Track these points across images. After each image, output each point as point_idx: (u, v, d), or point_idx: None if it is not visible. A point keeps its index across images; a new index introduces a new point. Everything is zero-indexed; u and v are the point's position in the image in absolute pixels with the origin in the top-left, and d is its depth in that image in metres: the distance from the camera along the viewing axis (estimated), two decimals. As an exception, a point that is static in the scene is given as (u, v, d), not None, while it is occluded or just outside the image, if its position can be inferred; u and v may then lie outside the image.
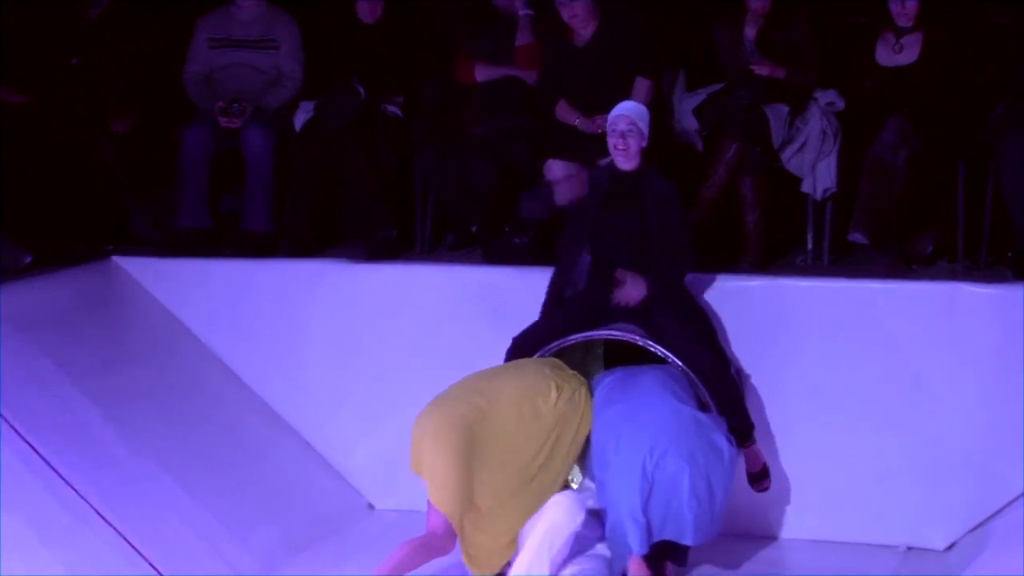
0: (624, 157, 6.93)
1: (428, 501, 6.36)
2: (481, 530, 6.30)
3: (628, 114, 6.97)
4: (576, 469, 6.67)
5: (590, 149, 7.58)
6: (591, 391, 6.73)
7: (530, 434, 6.47)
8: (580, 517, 6.27)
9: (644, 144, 6.96)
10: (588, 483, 6.63)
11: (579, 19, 7.82)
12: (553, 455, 6.54)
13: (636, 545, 6.14)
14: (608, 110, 7.12)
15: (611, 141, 6.97)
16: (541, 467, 6.51)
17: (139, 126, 8.30)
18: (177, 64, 8.40)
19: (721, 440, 6.35)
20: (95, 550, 6.14)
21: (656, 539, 6.22)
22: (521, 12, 8.25)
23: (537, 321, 7.05)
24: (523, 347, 6.90)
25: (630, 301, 6.76)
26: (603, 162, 7.26)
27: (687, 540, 6.26)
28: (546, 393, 6.52)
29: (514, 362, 6.81)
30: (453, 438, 6.29)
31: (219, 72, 8.35)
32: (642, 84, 7.74)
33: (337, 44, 8.41)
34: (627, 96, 7.46)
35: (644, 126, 6.95)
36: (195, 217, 8.20)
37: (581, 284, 7.04)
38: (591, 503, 6.48)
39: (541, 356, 6.84)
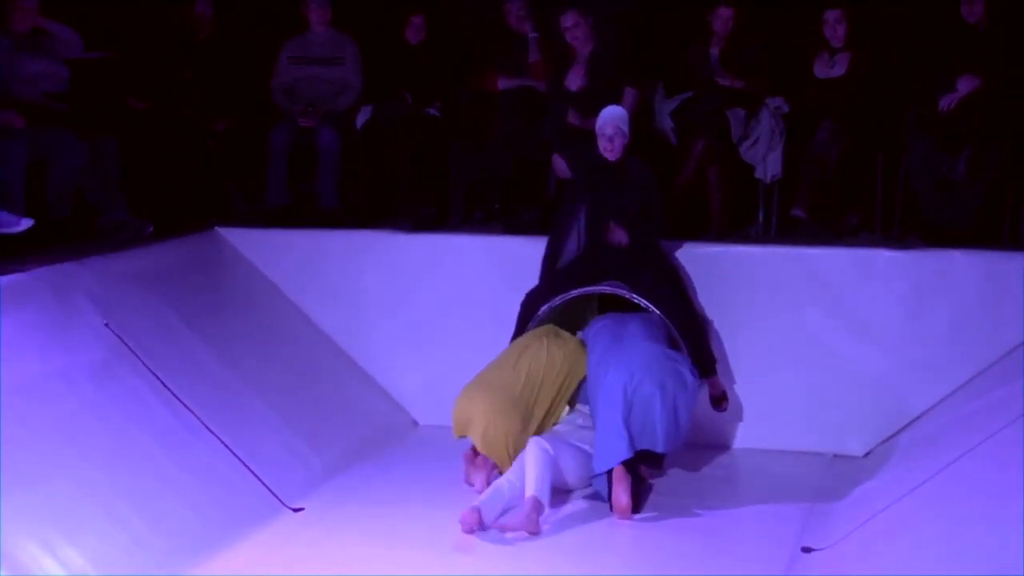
0: (611, 155, 7.02)
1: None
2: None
3: (613, 121, 7.02)
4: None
5: (588, 143, 7.48)
6: (584, 338, 6.82)
7: (547, 389, 6.59)
8: (549, 453, 6.19)
9: (627, 141, 7.03)
10: (582, 407, 6.68)
11: (579, 41, 7.87)
12: (559, 398, 6.67)
13: (621, 452, 6.14)
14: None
15: (601, 144, 7.04)
16: (553, 402, 6.64)
17: (235, 126, 8.29)
18: (265, 77, 8.41)
19: (685, 371, 6.39)
20: (202, 454, 6.15)
21: (636, 448, 6.22)
22: (530, 35, 8.27)
23: (544, 279, 7.11)
24: (534, 301, 6.97)
25: (621, 240, 6.86)
26: (595, 154, 7.25)
27: (659, 448, 6.26)
28: (552, 359, 6.62)
29: (520, 341, 6.79)
30: (507, 416, 6.41)
31: (298, 83, 8.33)
32: (629, 92, 7.75)
33: (389, 61, 8.42)
34: (618, 101, 7.47)
35: (626, 127, 7.03)
36: (279, 196, 8.22)
37: (576, 250, 7.13)
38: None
39: (548, 308, 6.88)
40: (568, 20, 7.87)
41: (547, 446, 6.18)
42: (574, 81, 7.88)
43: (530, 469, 6.05)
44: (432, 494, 6.54)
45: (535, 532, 5.87)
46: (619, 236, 6.88)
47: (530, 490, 5.97)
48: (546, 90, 8.13)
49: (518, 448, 6.32)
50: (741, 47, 7.98)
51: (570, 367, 6.67)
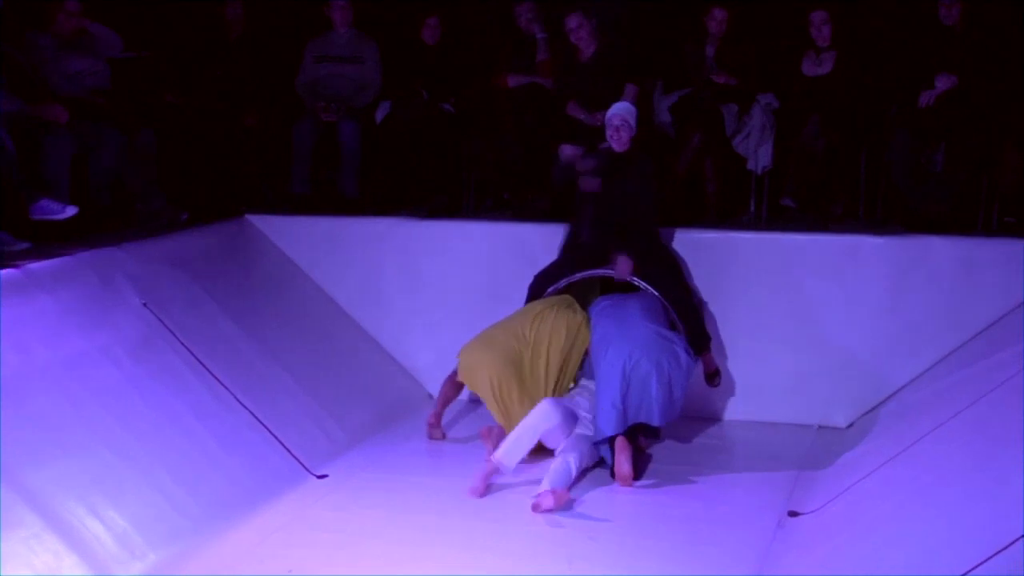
0: (618, 144, 7.03)
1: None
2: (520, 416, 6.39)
3: (621, 113, 7.04)
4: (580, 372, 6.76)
5: (592, 136, 7.62)
6: (589, 314, 6.80)
7: (552, 358, 6.61)
8: (553, 420, 6.23)
9: (633, 133, 7.04)
10: (586, 382, 6.68)
11: (584, 41, 7.88)
12: (566, 365, 6.68)
13: (613, 426, 6.17)
14: (606, 108, 7.19)
15: (608, 133, 7.05)
16: (560, 374, 6.66)
17: (263, 120, 8.26)
18: (291, 75, 8.40)
19: (680, 350, 6.41)
20: (233, 424, 6.19)
21: (632, 422, 6.25)
22: (539, 36, 8.26)
23: (552, 262, 7.12)
24: (541, 282, 6.99)
25: (623, 274, 6.78)
26: (603, 146, 7.30)
27: (655, 422, 6.31)
28: (558, 328, 6.64)
29: (534, 306, 6.82)
30: (506, 374, 6.48)
31: (321, 80, 8.33)
32: (630, 88, 7.76)
33: (407, 59, 8.40)
34: (619, 97, 7.49)
35: (632, 120, 7.04)
36: (303, 186, 8.22)
37: (584, 235, 7.11)
38: (574, 404, 6.50)
39: (554, 289, 6.89)
40: (572, 22, 7.88)
41: (553, 417, 6.17)
42: (579, 78, 7.84)
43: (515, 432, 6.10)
44: (444, 461, 6.62)
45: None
46: (623, 268, 6.80)
47: (546, 485, 5.92)
48: (553, 87, 8.12)
49: (514, 406, 6.39)
50: (735, 47, 7.98)
51: (576, 338, 6.68)
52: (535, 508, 5.78)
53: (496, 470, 6.09)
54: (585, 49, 7.94)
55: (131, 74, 7.66)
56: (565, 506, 5.83)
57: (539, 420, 6.23)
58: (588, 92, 7.82)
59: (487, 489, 6.03)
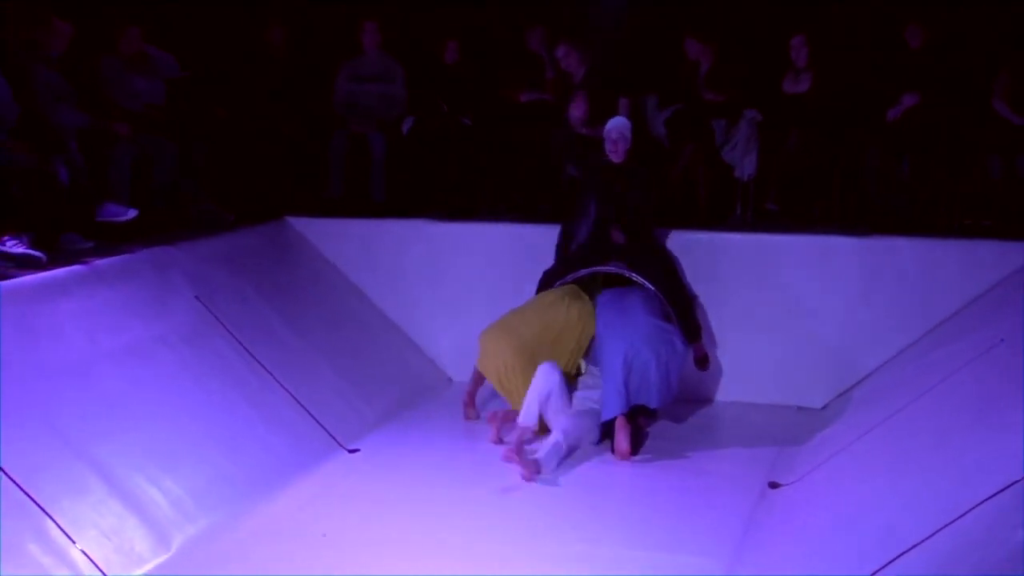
0: (615, 156, 7.01)
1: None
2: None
3: (618, 127, 7.01)
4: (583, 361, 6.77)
5: (594, 147, 7.56)
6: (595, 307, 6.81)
7: (561, 344, 6.62)
8: (553, 379, 6.29)
9: (629, 146, 7.01)
10: (592, 368, 6.68)
11: (573, 67, 7.89)
12: (577, 347, 6.68)
13: (617, 407, 6.21)
14: (603, 122, 7.15)
15: (607, 146, 7.03)
16: (572, 355, 6.66)
17: (301, 132, 8.23)
18: (327, 92, 8.39)
19: (677, 340, 6.42)
20: (275, 405, 6.22)
21: (633, 403, 6.27)
22: (547, 57, 8.27)
23: (558, 259, 7.13)
24: (550, 277, 6.98)
25: (619, 240, 6.83)
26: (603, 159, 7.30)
27: (653, 404, 6.33)
28: (570, 316, 6.66)
29: (546, 295, 6.82)
30: (517, 358, 6.48)
31: (354, 96, 8.34)
32: (623, 102, 7.73)
33: (429, 78, 8.42)
34: (615, 111, 7.46)
35: (628, 134, 7.00)
36: (337, 191, 8.24)
37: (585, 236, 7.12)
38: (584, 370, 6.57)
39: (561, 284, 6.88)
40: (560, 51, 7.89)
41: (553, 375, 6.24)
42: (577, 105, 7.82)
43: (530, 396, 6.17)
44: (463, 438, 6.64)
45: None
46: (618, 237, 6.88)
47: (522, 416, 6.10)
48: (554, 103, 8.11)
49: (523, 389, 6.39)
50: (723, 66, 7.97)
51: (585, 325, 6.69)
52: (506, 458, 5.90)
53: (526, 431, 6.14)
54: (575, 73, 7.93)
55: (184, 91, 7.67)
56: (534, 471, 5.87)
57: (542, 380, 6.27)
58: (583, 110, 7.79)
59: (519, 454, 5.99)
